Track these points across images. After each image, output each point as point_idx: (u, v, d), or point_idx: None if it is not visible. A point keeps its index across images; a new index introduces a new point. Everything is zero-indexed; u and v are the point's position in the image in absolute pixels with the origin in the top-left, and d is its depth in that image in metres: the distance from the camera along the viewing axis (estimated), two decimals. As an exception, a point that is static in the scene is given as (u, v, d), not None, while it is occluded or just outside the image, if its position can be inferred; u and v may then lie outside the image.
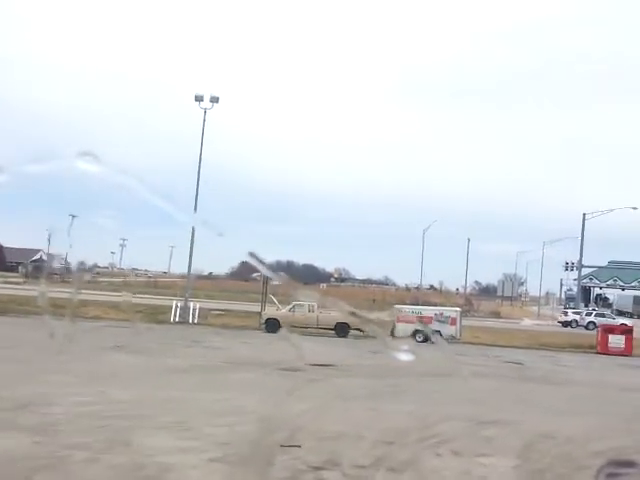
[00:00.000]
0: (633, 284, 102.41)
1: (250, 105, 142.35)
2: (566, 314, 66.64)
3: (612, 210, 68.45)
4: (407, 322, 33.88)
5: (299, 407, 12.70)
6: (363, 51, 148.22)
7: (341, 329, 34.96)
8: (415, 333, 34.45)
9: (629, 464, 2.72)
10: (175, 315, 40.68)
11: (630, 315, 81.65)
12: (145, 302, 39.47)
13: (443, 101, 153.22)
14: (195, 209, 29.57)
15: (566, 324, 62.71)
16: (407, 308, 40.37)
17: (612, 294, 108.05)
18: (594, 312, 67.43)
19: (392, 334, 34.94)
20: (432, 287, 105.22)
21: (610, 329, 37.44)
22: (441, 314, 37.22)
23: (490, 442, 10.87)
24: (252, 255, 2.32)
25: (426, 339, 34.70)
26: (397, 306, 39.90)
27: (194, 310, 41.24)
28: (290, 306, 36.67)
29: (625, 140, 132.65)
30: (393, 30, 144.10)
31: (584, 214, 69.00)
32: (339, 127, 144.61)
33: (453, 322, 36.00)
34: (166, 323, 37.96)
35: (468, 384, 18.83)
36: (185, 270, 49.10)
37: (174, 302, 41.32)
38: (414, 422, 12.16)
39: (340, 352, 26.42)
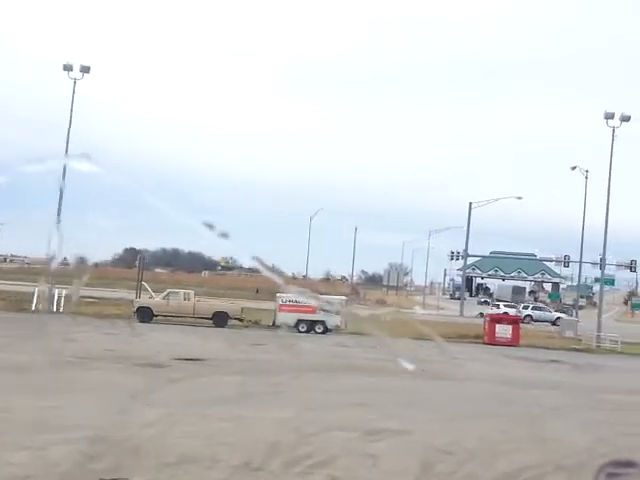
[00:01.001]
0: (513, 274, 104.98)
1: (134, 82, 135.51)
2: (497, 307, 62.72)
3: (497, 199, 68.57)
4: (289, 311, 31.74)
5: (145, 417, 10.18)
6: (251, 40, 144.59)
7: (220, 319, 32.37)
8: (298, 323, 32.44)
9: (629, 464, 2.70)
10: (37, 303, 36.89)
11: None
12: (11, 289, 36.93)
13: (333, 92, 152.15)
14: (60, 194, 25.86)
15: None
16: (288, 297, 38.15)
17: (493, 284, 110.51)
18: (531, 305, 65.67)
19: (273, 324, 32.77)
20: (344, 278, 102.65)
21: (498, 319, 36.55)
22: (326, 302, 35.30)
23: (379, 462, 8.70)
24: (257, 259, 2.33)
25: (309, 329, 32.79)
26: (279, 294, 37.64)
27: (59, 297, 37.54)
28: (164, 294, 33.77)
29: (511, 131, 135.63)
30: (283, 19, 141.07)
31: (470, 203, 68.81)
32: (227, 113, 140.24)
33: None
34: (28, 312, 34.34)
35: (355, 381, 16.88)
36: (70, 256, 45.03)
37: (35, 289, 37.50)
38: (287, 434, 9.89)
39: (214, 344, 23.89)
